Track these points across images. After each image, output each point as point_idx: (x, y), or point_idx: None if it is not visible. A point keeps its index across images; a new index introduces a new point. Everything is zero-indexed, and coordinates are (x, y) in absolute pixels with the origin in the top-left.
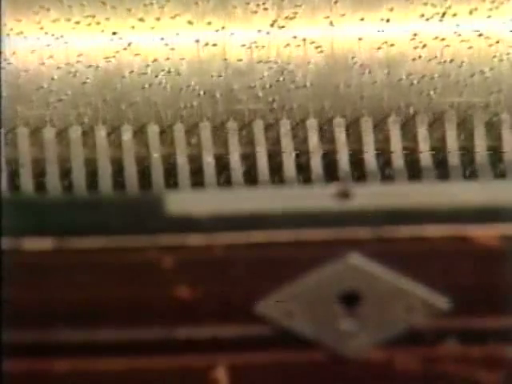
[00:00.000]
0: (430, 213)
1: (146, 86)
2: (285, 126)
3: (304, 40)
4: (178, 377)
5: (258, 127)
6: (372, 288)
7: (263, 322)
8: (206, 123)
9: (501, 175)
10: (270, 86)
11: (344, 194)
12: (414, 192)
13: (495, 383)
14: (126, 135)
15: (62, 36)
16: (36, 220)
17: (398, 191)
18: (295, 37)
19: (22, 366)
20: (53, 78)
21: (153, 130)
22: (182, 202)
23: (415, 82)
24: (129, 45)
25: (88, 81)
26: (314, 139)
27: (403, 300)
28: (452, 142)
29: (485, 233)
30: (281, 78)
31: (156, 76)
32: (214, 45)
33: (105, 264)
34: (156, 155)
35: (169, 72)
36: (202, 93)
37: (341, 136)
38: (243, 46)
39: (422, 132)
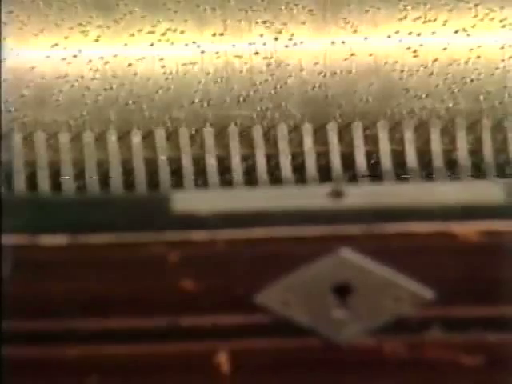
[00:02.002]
0: (416, 211)
1: (156, 93)
2: (282, 131)
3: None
4: (183, 361)
5: (257, 132)
6: (363, 280)
7: (262, 311)
8: (209, 128)
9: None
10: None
11: (337, 194)
12: (402, 192)
13: (476, 367)
14: (136, 139)
15: (79, 50)
16: (51, 218)
17: (386, 191)
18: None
19: (36, 353)
20: (70, 87)
21: (160, 135)
22: (187, 201)
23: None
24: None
25: (100, 94)
26: (308, 143)
27: (391, 291)
28: (436, 146)
29: (467, 229)
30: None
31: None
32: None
33: (115, 258)
34: (163, 158)
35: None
36: (205, 104)
37: (333, 139)
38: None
39: (408, 136)
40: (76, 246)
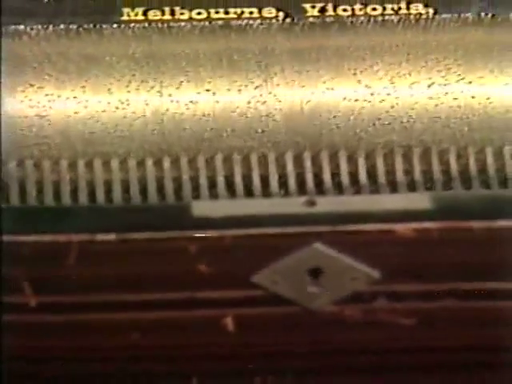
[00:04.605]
0: (368, 215)
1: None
2: (271, 157)
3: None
4: (199, 324)
5: (253, 158)
6: (330, 265)
7: (257, 288)
8: (219, 156)
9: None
10: (263, 131)
11: (311, 203)
12: (357, 201)
13: (410, 326)
14: (166, 164)
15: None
16: (104, 221)
17: (347, 201)
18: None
19: (94, 317)
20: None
21: (183, 161)
22: (203, 208)
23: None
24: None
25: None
26: (290, 166)
27: (350, 273)
28: (381, 168)
29: (404, 228)
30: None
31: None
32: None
33: (150, 250)
34: (185, 177)
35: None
36: (216, 137)
37: (307, 164)
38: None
39: (361, 161)
40: (122, 241)
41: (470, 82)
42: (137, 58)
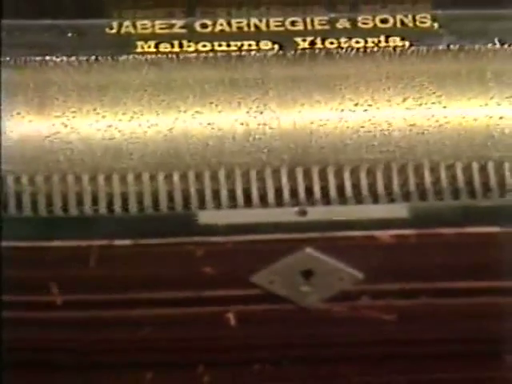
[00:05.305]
0: (352, 223)
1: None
2: (267, 172)
3: None
4: (204, 318)
5: (253, 174)
6: (320, 267)
7: (256, 287)
8: (222, 171)
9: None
10: (261, 150)
11: (302, 212)
12: (344, 211)
13: (391, 321)
14: (176, 178)
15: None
16: (121, 228)
17: (334, 210)
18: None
19: (113, 313)
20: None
21: (192, 177)
22: (208, 216)
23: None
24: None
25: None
26: (284, 180)
27: (337, 274)
28: (364, 182)
29: (384, 234)
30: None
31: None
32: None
33: (162, 253)
34: (193, 189)
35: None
36: (219, 155)
37: (299, 178)
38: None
39: (347, 175)
40: (137, 246)
41: (445, 100)
42: (149, 79)
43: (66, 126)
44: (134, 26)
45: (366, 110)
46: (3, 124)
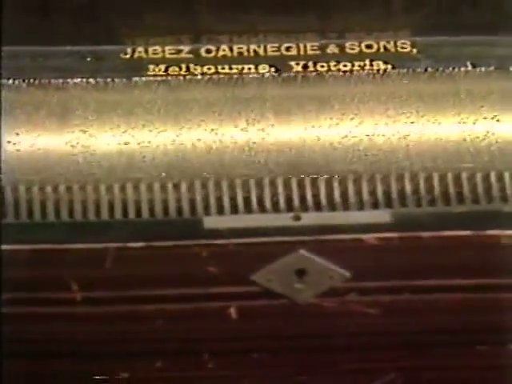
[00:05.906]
0: (341, 227)
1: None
2: (265, 183)
3: None
4: (209, 312)
5: (252, 184)
6: (312, 267)
7: (255, 284)
8: (225, 181)
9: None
10: (259, 162)
11: (297, 218)
12: (333, 216)
13: (375, 315)
14: (183, 188)
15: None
16: (135, 232)
17: (325, 216)
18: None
19: (127, 308)
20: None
21: (198, 186)
22: (212, 222)
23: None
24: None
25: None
26: (280, 189)
27: (328, 273)
28: (351, 190)
29: (369, 237)
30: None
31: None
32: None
33: (171, 254)
34: (198, 197)
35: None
36: (221, 167)
37: (294, 187)
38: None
39: (336, 184)
40: (149, 248)
41: (423, 116)
42: (160, 98)
43: (83, 143)
44: (146, 52)
45: (351, 130)
46: (27, 137)
